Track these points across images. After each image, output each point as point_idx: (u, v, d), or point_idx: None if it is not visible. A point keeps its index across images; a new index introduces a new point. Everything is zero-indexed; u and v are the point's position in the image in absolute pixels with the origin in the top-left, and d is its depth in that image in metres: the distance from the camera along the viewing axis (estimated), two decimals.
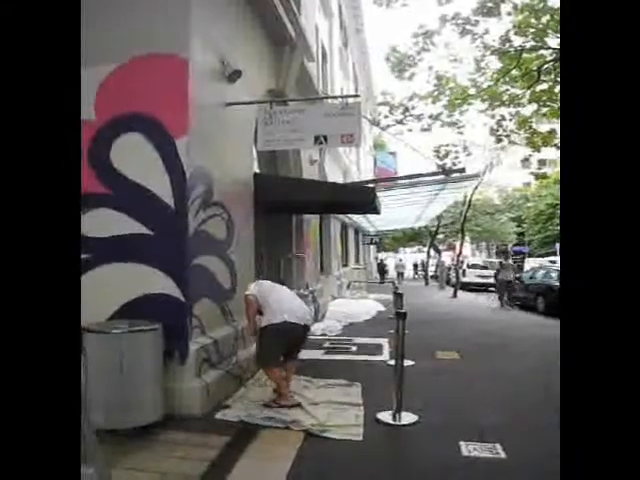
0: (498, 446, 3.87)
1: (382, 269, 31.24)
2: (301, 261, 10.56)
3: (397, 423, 4.42)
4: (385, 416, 4.53)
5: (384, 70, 26.22)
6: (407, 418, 4.49)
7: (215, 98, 5.61)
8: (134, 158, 4.88)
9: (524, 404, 5.06)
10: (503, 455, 3.74)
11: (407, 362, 6.69)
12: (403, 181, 13.34)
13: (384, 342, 8.19)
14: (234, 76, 5.90)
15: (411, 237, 35.21)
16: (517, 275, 17.01)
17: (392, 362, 6.69)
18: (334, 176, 15.20)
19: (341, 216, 16.97)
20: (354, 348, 7.98)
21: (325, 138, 5.89)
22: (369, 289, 18.59)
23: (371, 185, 10.26)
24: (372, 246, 33.04)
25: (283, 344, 4.91)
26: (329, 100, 7.93)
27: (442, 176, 13.40)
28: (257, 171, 9.56)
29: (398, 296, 7.10)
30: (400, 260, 35.04)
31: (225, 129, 5.86)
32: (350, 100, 6.09)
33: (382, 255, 40.06)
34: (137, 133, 4.87)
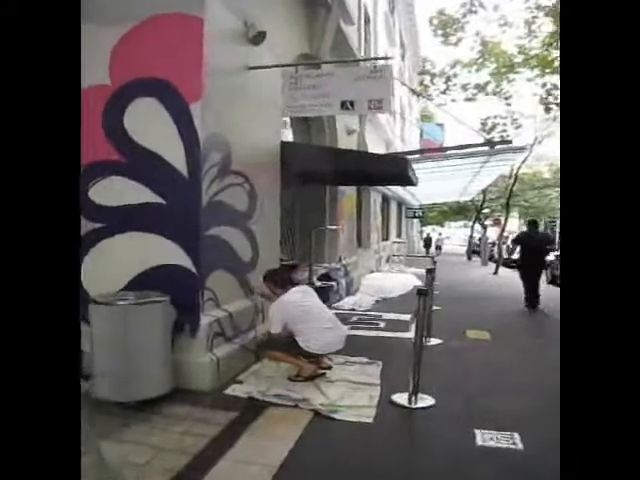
0: (516, 436, 3.60)
1: (428, 243, 30.80)
2: (334, 233, 10.34)
3: (412, 406, 4.19)
4: (400, 398, 4.30)
5: (428, 36, 25.27)
6: (423, 401, 4.25)
7: (236, 61, 5.37)
8: (148, 124, 4.71)
9: (552, 394, 4.71)
10: (520, 446, 3.47)
11: (434, 340, 6.50)
12: (446, 152, 12.83)
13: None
14: (258, 38, 5.63)
15: (456, 211, 34.36)
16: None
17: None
18: (375, 147, 14.81)
19: (382, 188, 16.61)
20: (382, 324, 7.76)
21: (352, 104, 5.59)
22: (409, 263, 18.21)
23: (406, 156, 9.83)
24: (415, 220, 32.47)
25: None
26: (362, 63, 7.53)
27: (487, 148, 12.83)
28: (287, 137, 9.40)
29: (429, 272, 6.79)
30: (440, 234, 34.43)
31: (248, 95, 5.62)
32: (381, 62, 5.74)
33: (427, 229, 39.46)
34: (151, 98, 4.69)
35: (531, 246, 9.81)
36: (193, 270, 4.61)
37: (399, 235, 24.80)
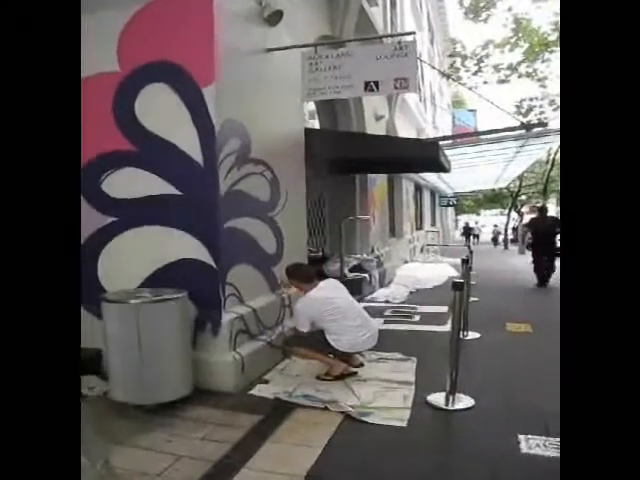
0: None
1: (467, 232, 30.20)
2: (366, 223, 10.00)
3: (449, 408, 3.83)
4: (437, 398, 3.95)
5: (457, 15, 24.54)
6: (461, 402, 3.90)
7: (252, 43, 5.06)
8: (159, 111, 4.46)
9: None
10: None
11: (473, 334, 6.11)
12: (480, 137, 12.31)
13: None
14: (274, 18, 5.32)
15: (491, 199, 33.51)
16: None
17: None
18: (406, 134, 14.35)
19: (414, 176, 16.17)
20: (417, 317, 7.38)
21: (376, 84, 5.23)
22: (444, 253, 17.73)
23: (438, 141, 9.41)
24: (450, 209, 31.77)
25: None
26: (386, 41, 7.11)
27: (523, 131, 12.24)
28: (313, 126, 9.08)
29: (464, 262, 6.40)
30: (476, 223, 33.75)
31: (267, 78, 5.32)
32: (406, 39, 5.37)
33: (462, 218, 38.70)
34: (162, 83, 4.44)
35: (541, 230, 10.56)
36: (213, 264, 4.35)
37: (433, 224, 24.24)
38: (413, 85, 5.21)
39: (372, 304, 8.35)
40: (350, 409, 3.74)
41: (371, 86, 5.25)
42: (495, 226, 30.92)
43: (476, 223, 34.46)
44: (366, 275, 8.98)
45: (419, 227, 19.15)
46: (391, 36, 6.61)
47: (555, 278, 10.62)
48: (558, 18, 12.29)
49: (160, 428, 3.51)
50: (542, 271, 10.48)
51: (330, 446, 3.24)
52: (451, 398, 3.89)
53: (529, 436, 3.32)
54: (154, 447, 3.25)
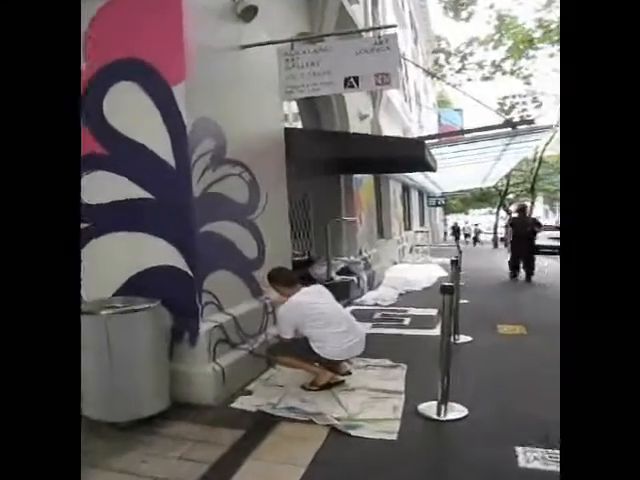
0: None
1: (456, 231, 30.18)
2: (352, 225, 9.78)
3: (441, 418, 3.62)
4: (428, 408, 3.73)
5: (440, 14, 24.40)
6: (454, 412, 3.68)
7: (225, 39, 4.83)
8: (129, 111, 4.22)
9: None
10: None
11: (463, 338, 5.91)
12: (465, 135, 12.15)
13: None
14: (249, 13, 5.10)
15: (479, 198, 33.45)
16: None
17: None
18: (391, 133, 14.17)
19: (401, 176, 15.99)
20: (407, 320, 7.14)
21: (356, 80, 5.02)
22: (434, 253, 17.56)
23: (423, 140, 9.21)
24: (438, 209, 31.67)
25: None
26: (366, 35, 6.86)
27: (508, 129, 12.10)
28: (298, 126, 8.87)
29: (454, 263, 6.19)
30: (466, 222, 33.88)
31: (243, 76, 5.09)
32: (388, 32, 5.16)
33: (451, 218, 38.67)
34: (130, 81, 4.20)
35: (521, 228, 11.49)
36: (188, 271, 4.11)
37: (422, 224, 24.09)
38: (395, 80, 5.02)
39: (361, 307, 8.13)
40: (336, 422, 3.52)
41: (351, 82, 5.05)
42: (475, 225, 31.93)
43: (466, 223, 34.43)
44: (354, 278, 8.76)
45: (408, 227, 18.98)
46: (371, 29, 6.42)
47: (543, 275, 11.13)
48: (541, 15, 12.19)
49: (135, 447, 3.26)
50: (517, 265, 11.59)
51: (315, 463, 3.01)
52: (443, 408, 3.68)
53: (527, 448, 3.12)
54: (128, 469, 3.01)
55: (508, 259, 11.97)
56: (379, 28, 5.48)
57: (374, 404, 3.89)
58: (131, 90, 4.19)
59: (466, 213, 43.92)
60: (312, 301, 4.32)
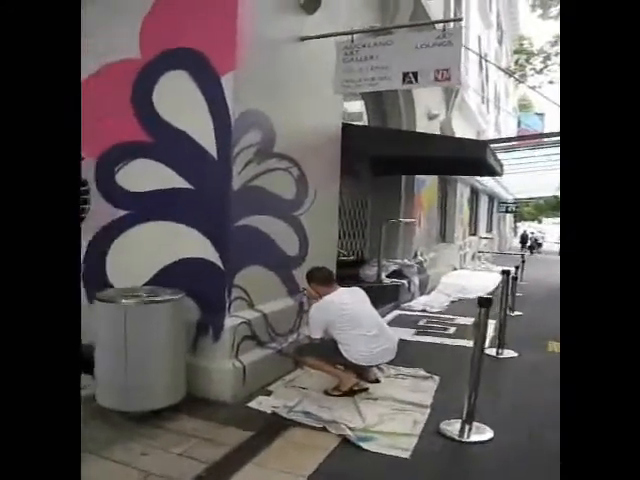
0: None
1: (524, 240, 29.16)
2: (410, 227, 9.55)
3: (462, 439, 3.42)
4: (451, 427, 3.54)
5: (529, 14, 23.24)
6: (478, 433, 3.47)
7: (284, 30, 4.75)
8: (177, 100, 4.23)
9: None
10: None
11: (509, 353, 5.64)
12: (537, 140, 11.59)
13: (491, 324, 6.94)
14: (312, 5, 5.01)
15: (553, 206, 32.05)
16: None
17: (492, 351, 5.67)
18: (463, 136, 13.74)
19: (470, 179, 15.48)
20: (452, 330, 6.89)
21: (415, 75, 4.81)
22: (498, 261, 16.95)
23: (493, 144, 8.81)
24: (508, 215, 30.54)
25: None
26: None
27: None
28: (362, 123, 8.72)
29: (505, 274, 5.90)
30: (532, 232, 32.75)
31: (301, 69, 4.99)
32: (451, 27, 4.92)
33: (523, 225, 37.36)
34: (181, 70, 4.20)
35: None
36: (220, 265, 4.09)
37: (489, 230, 23.32)
38: (456, 76, 4.76)
39: (407, 312, 7.94)
40: (349, 432, 3.39)
41: (410, 77, 4.83)
42: (532, 233, 32.03)
43: (539, 232, 33.22)
44: (404, 281, 8.55)
45: (473, 233, 18.41)
46: (435, 23, 6.12)
47: None
48: None
49: (139, 439, 3.26)
50: None
51: (317, 474, 2.91)
52: (467, 428, 3.48)
53: None
54: (127, 460, 3.00)
55: None
56: (444, 21, 5.21)
57: (395, 416, 3.74)
58: (181, 79, 4.19)
59: (539, 221, 42.21)
60: (344, 302, 4.23)
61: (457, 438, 3.44)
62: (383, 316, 6.35)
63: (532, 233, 32.37)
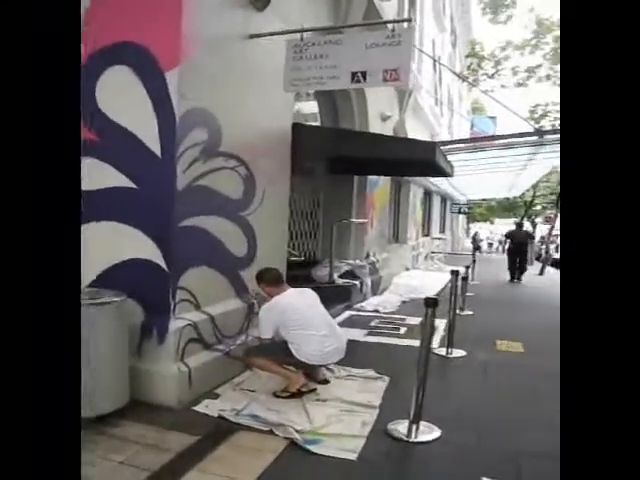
0: None
1: (475, 241, 29.73)
2: (362, 228, 9.56)
3: (410, 439, 3.42)
4: (399, 427, 3.54)
5: (481, 19, 23.77)
6: (425, 433, 3.48)
7: (232, 27, 4.65)
8: (120, 96, 4.09)
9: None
10: None
11: (458, 352, 5.69)
12: (485, 142, 11.80)
13: (442, 324, 6.99)
14: (261, 2, 4.94)
15: (505, 208, 32.85)
16: None
17: (442, 351, 5.72)
18: (418, 137, 13.86)
19: (423, 180, 15.64)
20: (403, 330, 6.91)
21: (364, 75, 4.80)
22: (450, 261, 17.21)
23: (435, 143, 8.87)
24: (461, 216, 31.12)
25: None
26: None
27: (535, 137, 11.70)
28: (318, 123, 8.69)
29: (454, 274, 5.96)
30: (476, 233, 33.50)
31: (250, 67, 4.91)
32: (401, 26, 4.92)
33: (475, 227, 38.09)
34: (124, 66, 4.07)
35: (517, 239, 14.67)
36: (164, 266, 3.98)
37: (442, 231, 23.69)
38: (405, 77, 4.75)
39: (359, 313, 7.95)
40: (296, 435, 3.34)
41: (358, 77, 4.81)
42: (476, 233, 33.04)
43: (490, 232, 33.93)
44: (357, 282, 8.56)
45: (426, 234, 18.65)
46: (384, 22, 6.14)
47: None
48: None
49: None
50: (514, 270, 14.36)
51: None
52: (414, 428, 3.48)
53: None
54: None
55: (507, 264, 14.64)
56: (394, 22, 5.22)
57: (342, 418, 3.71)
58: (124, 74, 4.06)
59: (491, 222, 43.17)
60: (293, 302, 4.23)
61: (404, 438, 3.43)
62: (335, 317, 6.34)
63: (490, 232, 33.15)
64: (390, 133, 11.23)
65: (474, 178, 16.26)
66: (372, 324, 7.20)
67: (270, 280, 4.40)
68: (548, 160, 14.68)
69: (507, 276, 14.46)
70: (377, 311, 8.18)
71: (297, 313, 4.14)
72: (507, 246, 15.32)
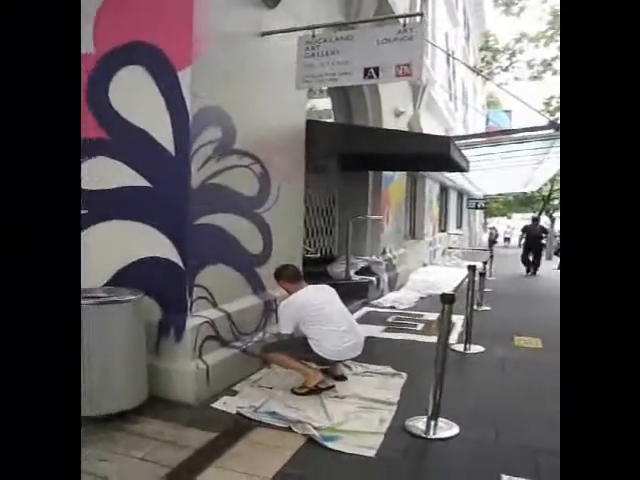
0: None
1: (492, 237, 29.54)
2: (378, 224, 9.52)
3: (428, 436, 3.40)
4: (417, 423, 3.52)
5: (494, 11, 23.50)
6: (444, 429, 3.45)
7: (244, 25, 4.65)
8: (133, 95, 4.11)
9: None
10: None
11: (476, 348, 5.64)
12: (500, 136, 11.68)
13: (459, 320, 6.94)
14: (271, 0, 4.94)
15: (523, 202, 32.53)
16: None
17: (459, 347, 5.68)
18: (432, 132, 13.78)
19: (439, 176, 15.56)
20: (420, 326, 6.88)
21: (376, 71, 4.77)
22: (468, 257, 17.09)
23: (450, 137, 8.80)
24: (478, 211, 30.86)
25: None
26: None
27: (551, 131, 11.56)
28: (332, 120, 8.67)
29: (471, 269, 5.91)
30: (492, 228, 33.27)
31: (262, 65, 4.91)
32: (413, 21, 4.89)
33: (492, 221, 37.81)
34: (137, 65, 4.09)
35: (532, 234, 15.10)
36: (180, 264, 3.99)
37: (459, 227, 23.54)
38: (417, 71, 4.72)
39: (376, 309, 7.92)
40: (314, 432, 3.33)
41: (371, 73, 4.78)
42: (491, 228, 32.94)
43: (508, 227, 33.63)
44: (373, 278, 8.53)
45: (443, 229, 18.54)
46: (395, 17, 6.09)
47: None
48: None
49: (100, 444, 3.15)
50: (528, 263, 14.81)
51: (279, 476, 2.84)
52: (432, 424, 3.46)
53: (514, 478, 2.87)
54: (84, 467, 2.89)
55: (521, 257, 15.16)
56: (405, 16, 5.17)
57: (361, 415, 3.69)
58: (137, 74, 4.08)
59: (509, 217, 42.78)
60: (312, 298, 4.25)
61: (423, 435, 3.41)
62: (352, 313, 6.30)
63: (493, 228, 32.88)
64: (404, 128, 11.17)
65: (490, 173, 16.16)
66: (389, 320, 7.17)
67: (289, 277, 4.42)
68: None
69: (523, 270, 14.95)
70: (394, 307, 8.14)
71: (316, 309, 4.15)
72: (522, 241, 15.92)
